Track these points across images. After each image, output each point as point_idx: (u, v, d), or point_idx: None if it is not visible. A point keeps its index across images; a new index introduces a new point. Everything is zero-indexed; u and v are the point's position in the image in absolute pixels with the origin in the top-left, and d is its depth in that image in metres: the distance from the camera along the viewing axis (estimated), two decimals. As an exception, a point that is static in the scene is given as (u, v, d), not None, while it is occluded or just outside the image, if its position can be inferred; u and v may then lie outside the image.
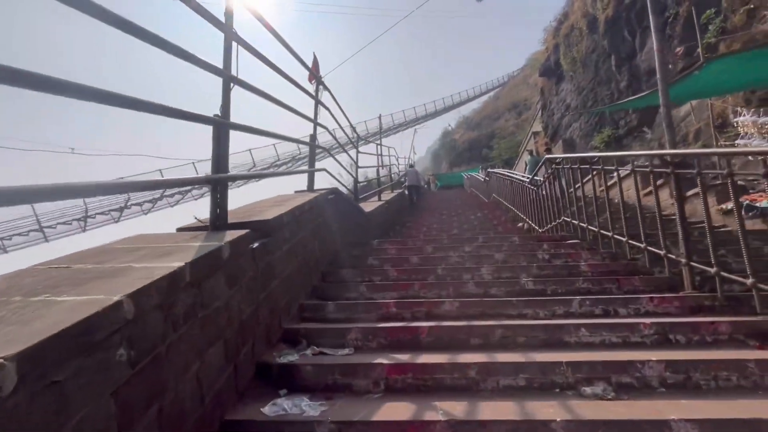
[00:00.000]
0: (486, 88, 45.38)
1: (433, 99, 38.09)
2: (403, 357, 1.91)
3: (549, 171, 5.21)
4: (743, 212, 5.24)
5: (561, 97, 13.96)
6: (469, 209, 10.11)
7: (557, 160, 4.78)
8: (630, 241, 3.29)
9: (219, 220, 1.94)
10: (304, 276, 2.81)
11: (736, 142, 5.91)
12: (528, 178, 6.25)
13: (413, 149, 23.74)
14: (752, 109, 5.80)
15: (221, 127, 1.92)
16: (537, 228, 5.81)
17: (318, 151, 5.34)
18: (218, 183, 1.93)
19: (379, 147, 9.35)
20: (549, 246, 3.99)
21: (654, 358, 1.76)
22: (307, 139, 4.21)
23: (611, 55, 10.74)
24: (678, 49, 7.82)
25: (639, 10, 9.63)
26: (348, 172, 5.90)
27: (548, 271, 3.22)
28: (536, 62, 40.21)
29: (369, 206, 7.11)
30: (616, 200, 6.73)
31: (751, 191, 5.61)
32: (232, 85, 2.03)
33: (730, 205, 5.55)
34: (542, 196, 5.51)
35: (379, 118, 9.97)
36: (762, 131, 5.43)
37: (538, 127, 16.56)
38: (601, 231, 3.72)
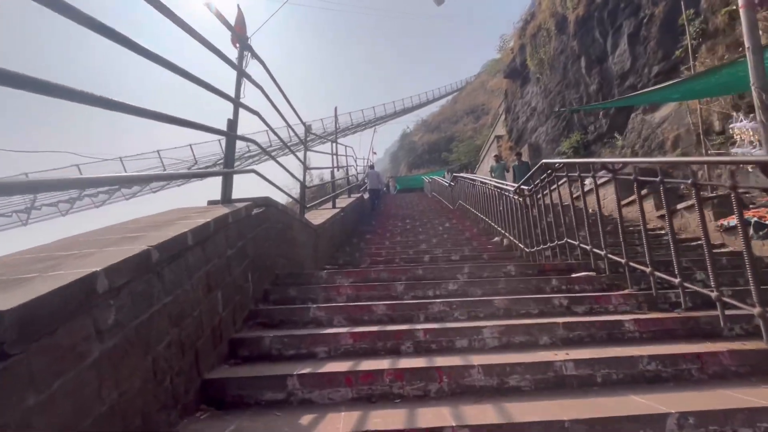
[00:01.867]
0: (444, 92, 45.44)
1: (393, 100, 37.27)
2: None
3: (542, 179, 4.24)
4: (752, 231, 4.61)
5: (526, 100, 13.47)
6: (434, 217, 9.12)
7: (556, 165, 3.81)
8: (687, 286, 2.31)
9: None
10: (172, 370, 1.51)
11: (733, 150, 5.34)
12: (511, 186, 5.29)
13: (372, 150, 22.58)
14: (751, 115, 5.24)
15: None
16: (522, 247, 4.84)
17: (256, 150, 3.99)
18: None
19: (334, 146, 8.07)
20: (559, 282, 2.96)
21: None
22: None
23: (581, 57, 10.28)
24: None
25: (612, 9, 9.18)
26: (293, 176, 4.58)
27: (580, 331, 2.16)
28: (493, 68, 40.88)
29: (320, 216, 5.82)
30: (632, 221, 5.92)
31: (751, 206, 5.02)
32: None
33: (732, 220, 4.94)
34: (531, 210, 4.54)
35: (335, 110, 8.69)
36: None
37: (501, 130, 16.07)
38: (631, 263, 2.74)
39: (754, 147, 4.95)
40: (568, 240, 3.62)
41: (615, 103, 7.59)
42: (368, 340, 2.07)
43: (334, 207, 7.11)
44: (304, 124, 5.21)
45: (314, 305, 2.48)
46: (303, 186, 4.91)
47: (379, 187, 12.10)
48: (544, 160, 3.93)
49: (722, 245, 5.06)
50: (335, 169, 8.32)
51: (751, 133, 4.99)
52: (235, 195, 2.85)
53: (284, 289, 2.83)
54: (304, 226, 4.30)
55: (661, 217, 6.04)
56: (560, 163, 3.84)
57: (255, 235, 2.67)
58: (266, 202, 3.05)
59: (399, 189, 25.22)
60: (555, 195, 4.10)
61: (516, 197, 5.02)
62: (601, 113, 9.67)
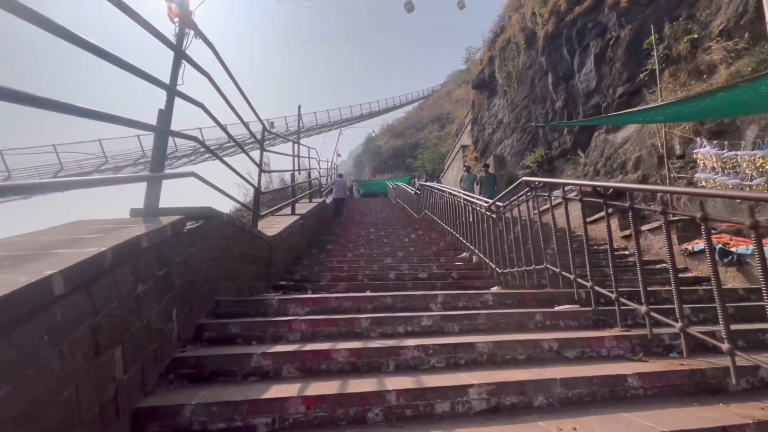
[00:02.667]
0: (411, 98, 45.76)
1: (359, 103, 36.90)
2: None
3: (518, 196, 3.98)
4: (717, 258, 4.63)
5: (493, 112, 13.56)
6: (400, 226, 8.75)
7: (536, 184, 3.55)
8: (691, 333, 2.05)
9: None
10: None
11: (696, 176, 5.42)
12: (483, 201, 5.02)
13: (337, 152, 22.02)
14: (714, 141, 5.34)
15: None
16: (494, 266, 4.57)
17: (201, 148, 3.39)
18: None
19: (296, 146, 7.48)
20: (543, 316, 2.65)
21: None
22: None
23: (548, 73, 10.41)
24: None
25: (580, 28, 9.34)
26: (245, 179, 4.01)
27: (580, 389, 1.82)
28: (459, 78, 41.71)
29: (277, 224, 5.25)
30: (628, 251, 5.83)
31: (712, 231, 5.08)
32: None
33: (697, 245, 4.96)
34: (506, 229, 4.27)
35: (299, 109, 8.08)
36: (726, 166, 4.93)
37: (467, 140, 16.12)
38: (622, 299, 2.48)
39: (717, 173, 5.03)
40: (549, 266, 3.35)
41: (596, 122, 7.64)
42: (326, 406, 1.61)
43: (293, 213, 6.54)
44: (261, 121, 4.64)
45: (259, 351, 1.96)
46: (257, 191, 4.33)
47: (345, 196, 11.76)
48: (524, 178, 3.65)
49: (685, 269, 5.08)
50: (296, 172, 7.73)
51: (715, 159, 5.06)
52: (168, 203, 2.29)
53: (224, 325, 2.29)
54: (256, 238, 3.74)
55: (626, 237, 6.06)
56: (540, 181, 3.58)
57: (187, 257, 2.12)
58: (206, 214, 2.49)
59: (362, 193, 24.80)
60: (530, 213, 3.85)
61: (488, 213, 4.75)
62: (565, 130, 9.81)
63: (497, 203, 4.42)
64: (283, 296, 2.76)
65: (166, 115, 2.34)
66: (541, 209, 5.48)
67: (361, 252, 6.23)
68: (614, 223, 6.55)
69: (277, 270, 4.60)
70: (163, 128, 2.29)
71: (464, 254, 5.87)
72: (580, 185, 3.03)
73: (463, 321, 2.53)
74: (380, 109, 39.57)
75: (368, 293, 3.12)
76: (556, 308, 2.83)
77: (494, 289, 4.20)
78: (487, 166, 9.31)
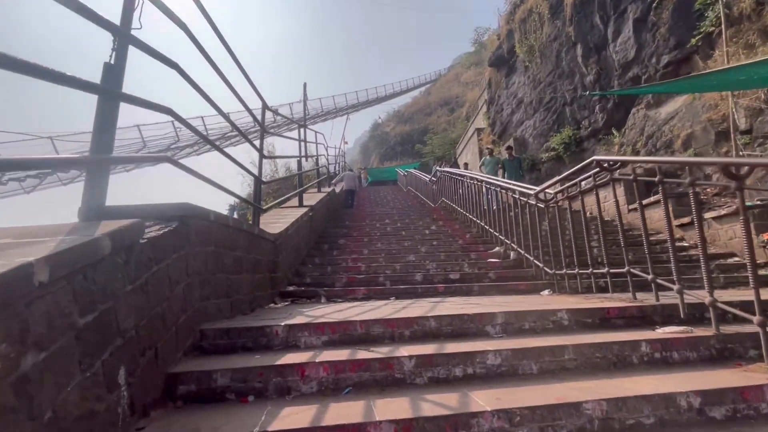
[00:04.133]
0: (418, 82, 44.41)
1: (365, 88, 35.84)
2: None
3: (580, 180, 3.21)
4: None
5: (512, 91, 12.58)
6: (416, 216, 8.01)
7: (610, 164, 2.77)
8: None
9: None
10: None
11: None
12: (527, 188, 4.23)
13: (344, 139, 21.15)
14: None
15: None
16: (541, 266, 3.83)
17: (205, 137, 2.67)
18: None
19: (303, 131, 6.69)
20: (650, 347, 1.92)
21: None
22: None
23: (577, 44, 9.43)
24: None
25: (615, -8, 8.34)
26: (244, 168, 3.28)
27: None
28: (467, 61, 40.21)
29: (282, 218, 4.54)
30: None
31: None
32: None
33: (782, 237, 4.16)
34: (558, 221, 3.51)
35: (304, 87, 7.29)
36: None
37: (482, 123, 15.19)
38: (773, 326, 1.73)
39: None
40: (633, 270, 2.59)
41: (660, 89, 6.61)
42: None
43: (301, 205, 5.83)
44: (261, 97, 3.88)
45: (258, 420, 1.26)
46: (258, 181, 3.61)
47: (355, 188, 11.46)
48: (595, 157, 2.86)
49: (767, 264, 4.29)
50: (303, 159, 6.99)
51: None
52: (139, 198, 1.57)
53: (207, 374, 1.59)
54: (257, 239, 3.04)
55: (682, 226, 5.25)
56: (616, 161, 2.80)
57: (148, 279, 1.42)
58: (184, 213, 1.78)
59: (371, 181, 24.04)
60: (599, 203, 3.08)
61: (533, 202, 3.98)
62: (597, 107, 8.90)
63: (546, 191, 3.65)
64: (292, 321, 2.05)
65: (115, 70, 1.61)
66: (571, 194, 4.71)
67: (379, 247, 5.51)
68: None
69: (284, 273, 3.91)
70: (109, 89, 1.56)
71: (497, 249, 5.13)
72: (688, 162, 2.26)
73: (543, 357, 1.80)
74: (386, 94, 38.46)
75: (395, 303, 2.40)
76: (659, 331, 2.10)
77: (545, 294, 3.48)
78: (510, 148, 8.45)
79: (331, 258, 4.98)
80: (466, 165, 13.56)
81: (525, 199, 4.28)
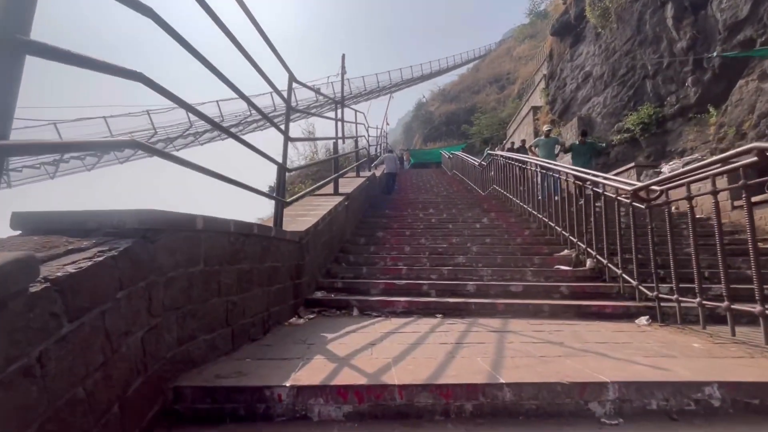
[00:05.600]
0: (465, 58, 42.03)
1: (410, 65, 34.39)
2: None
3: (744, 175, 2.30)
4: None
5: (578, 63, 11.05)
6: (464, 206, 7.19)
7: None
8: None
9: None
10: None
11: None
12: (614, 181, 3.30)
13: (386, 119, 20.32)
14: None
15: None
16: (634, 284, 2.95)
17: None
18: None
19: (340, 109, 6.01)
20: None
21: None
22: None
23: (667, 4, 7.88)
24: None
25: (724, -67, 6.72)
26: (265, 156, 2.68)
27: None
28: (521, 34, 37.21)
29: (312, 209, 3.98)
30: None
31: None
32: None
33: None
34: (668, 227, 2.61)
35: (342, 59, 6.56)
36: None
37: (538, 100, 13.72)
38: None
39: None
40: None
41: None
42: None
43: (336, 193, 5.25)
44: (289, 70, 3.23)
45: None
46: (282, 169, 3.01)
47: (396, 171, 10.77)
48: (756, 144, 1.93)
49: None
50: (340, 141, 6.37)
51: None
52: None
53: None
54: (275, 242, 2.46)
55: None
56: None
57: (43, 353, 0.84)
58: (140, 226, 1.20)
59: (413, 163, 23.17)
60: (749, 206, 2.16)
61: (628, 200, 3.07)
62: (689, 79, 7.43)
63: (653, 187, 2.74)
64: (302, 381, 1.44)
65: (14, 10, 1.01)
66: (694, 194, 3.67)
67: (422, 243, 4.83)
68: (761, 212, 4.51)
69: (312, 275, 3.35)
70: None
71: (565, 252, 4.26)
72: None
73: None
74: (432, 72, 36.76)
75: (444, 326, 1.70)
76: None
77: (643, 323, 2.65)
78: (585, 133, 7.23)
79: (367, 256, 4.37)
80: (523, 143, 12.32)
81: (612, 195, 3.37)
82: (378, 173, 9.84)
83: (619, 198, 3.28)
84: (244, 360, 1.74)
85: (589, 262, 3.74)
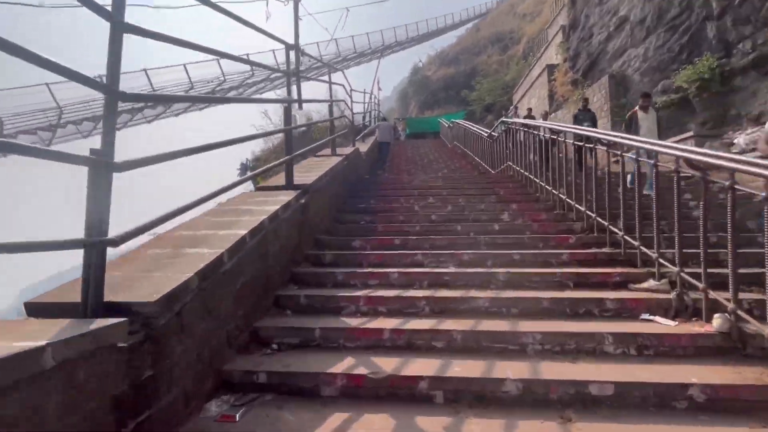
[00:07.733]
0: (463, 17, 38.74)
1: (405, 23, 31.42)
2: None
3: None
4: None
5: (609, 7, 8.97)
6: (473, 191, 5.46)
7: None
8: None
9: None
10: None
11: None
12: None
13: (377, 83, 18.06)
14: None
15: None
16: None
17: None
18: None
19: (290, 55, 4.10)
20: None
21: None
22: None
23: None
24: None
25: None
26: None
27: None
28: (526, -13, 33.91)
29: (223, 231, 2.26)
30: None
31: None
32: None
33: None
34: None
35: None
36: None
37: (554, 57, 11.68)
38: None
39: None
40: None
41: None
42: None
43: (288, 186, 3.51)
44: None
45: None
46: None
47: (390, 141, 9.58)
48: None
49: None
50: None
51: None
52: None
53: None
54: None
55: None
56: None
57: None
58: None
59: (409, 134, 21.17)
60: None
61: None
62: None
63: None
64: None
65: None
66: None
67: (417, 261, 3.14)
68: None
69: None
70: None
71: (651, 283, 2.61)
72: None
73: None
74: (429, 31, 33.80)
75: None
76: None
77: None
78: (647, 95, 5.32)
79: (327, 296, 2.69)
80: (530, 111, 10.45)
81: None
82: (365, 148, 8.04)
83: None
84: None
85: (719, 322, 2.07)
